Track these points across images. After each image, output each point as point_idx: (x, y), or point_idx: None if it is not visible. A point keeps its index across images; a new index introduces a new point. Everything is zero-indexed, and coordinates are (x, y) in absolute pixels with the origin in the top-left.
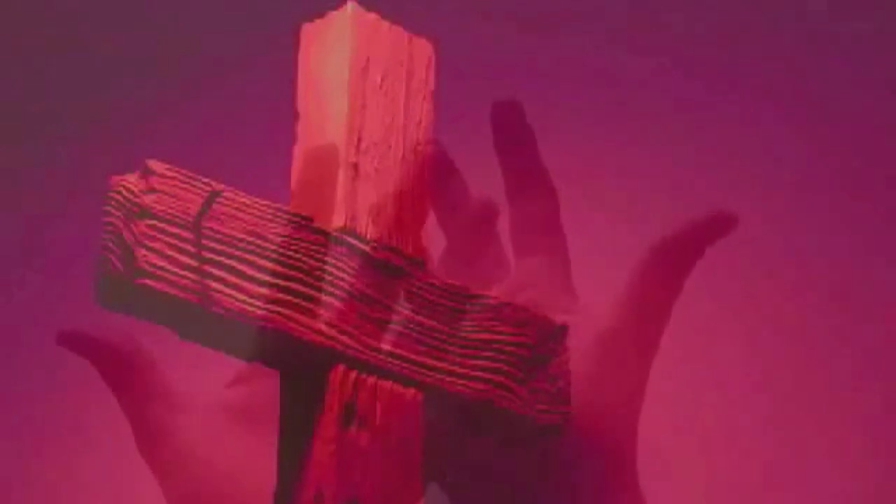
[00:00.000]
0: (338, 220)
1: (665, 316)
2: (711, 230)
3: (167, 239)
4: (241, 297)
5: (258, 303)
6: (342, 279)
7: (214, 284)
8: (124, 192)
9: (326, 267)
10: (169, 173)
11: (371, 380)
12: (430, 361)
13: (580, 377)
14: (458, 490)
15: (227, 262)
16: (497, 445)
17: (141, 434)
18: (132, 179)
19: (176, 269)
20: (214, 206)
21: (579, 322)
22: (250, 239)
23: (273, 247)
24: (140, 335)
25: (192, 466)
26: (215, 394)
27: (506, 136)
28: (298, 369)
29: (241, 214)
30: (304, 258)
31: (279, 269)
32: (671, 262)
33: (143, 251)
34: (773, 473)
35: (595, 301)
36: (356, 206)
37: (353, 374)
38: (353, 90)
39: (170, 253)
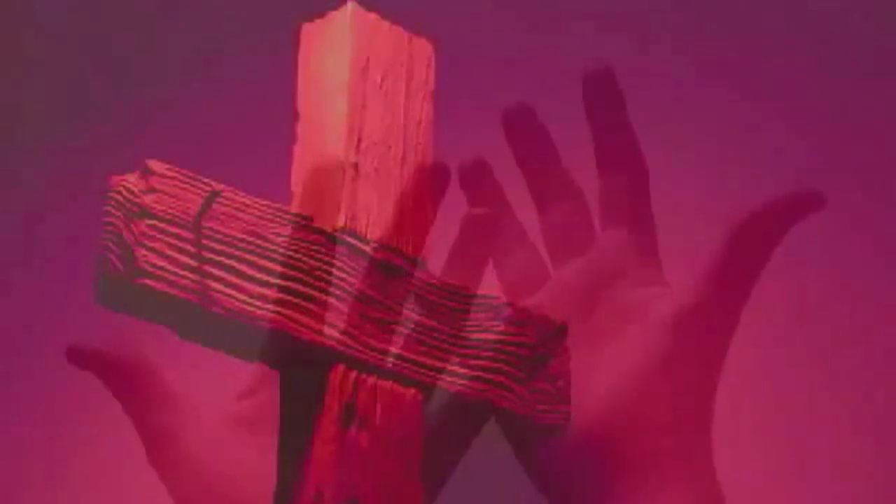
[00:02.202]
0: (338, 220)
1: (746, 294)
2: (797, 208)
3: (167, 239)
4: (241, 297)
5: (258, 303)
6: (342, 279)
7: (214, 284)
8: (124, 192)
9: (326, 267)
10: (169, 173)
11: (371, 380)
12: (430, 361)
13: (658, 352)
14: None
15: (227, 262)
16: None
17: (149, 442)
18: (132, 179)
19: (176, 269)
20: (214, 206)
21: (661, 295)
22: (250, 239)
23: (273, 247)
24: (141, 337)
25: (201, 473)
26: (223, 404)
27: (598, 106)
28: (298, 369)
29: (241, 214)
30: (305, 258)
31: (279, 269)
32: (755, 240)
33: (143, 251)
34: (773, 473)
35: (678, 276)
36: (356, 206)
37: (353, 374)
38: (353, 90)
39: (170, 253)
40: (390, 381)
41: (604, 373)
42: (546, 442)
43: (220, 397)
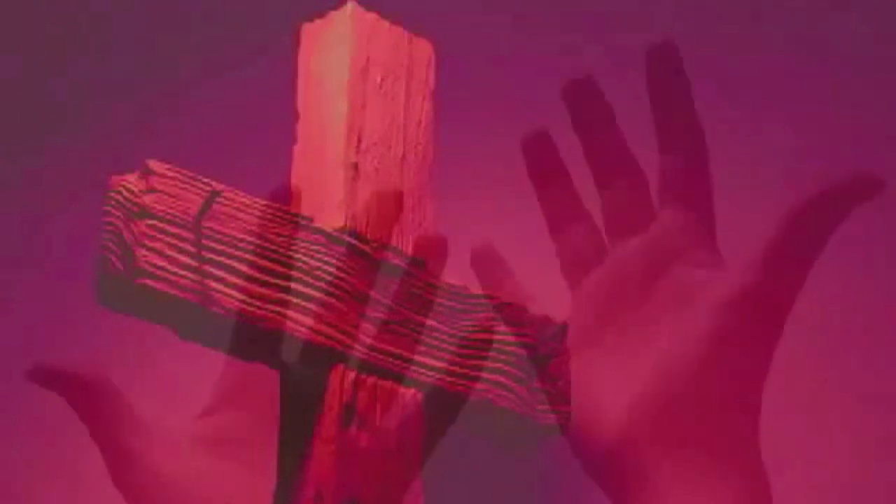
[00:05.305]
0: (338, 220)
1: (802, 279)
2: (855, 193)
3: (167, 239)
4: (241, 297)
5: (258, 303)
6: (342, 279)
7: (214, 284)
8: (124, 192)
9: (326, 267)
10: (169, 173)
11: (371, 380)
12: (430, 361)
13: (711, 335)
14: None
15: (227, 262)
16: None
17: (112, 462)
18: (132, 179)
19: (176, 269)
20: (214, 206)
21: (717, 277)
22: (250, 239)
23: (273, 247)
24: (141, 337)
25: (167, 495)
26: (184, 424)
27: (660, 83)
28: (298, 369)
29: (241, 214)
30: (304, 258)
31: (279, 269)
32: (814, 224)
33: (143, 251)
34: (773, 472)
35: (735, 259)
36: (356, 206)
37: (353, 374)
38: (353, 90)
39: (170, 253)
40: (390, 381)
41: (656, 353)
42: (593, 427)
43: (186, 424)
